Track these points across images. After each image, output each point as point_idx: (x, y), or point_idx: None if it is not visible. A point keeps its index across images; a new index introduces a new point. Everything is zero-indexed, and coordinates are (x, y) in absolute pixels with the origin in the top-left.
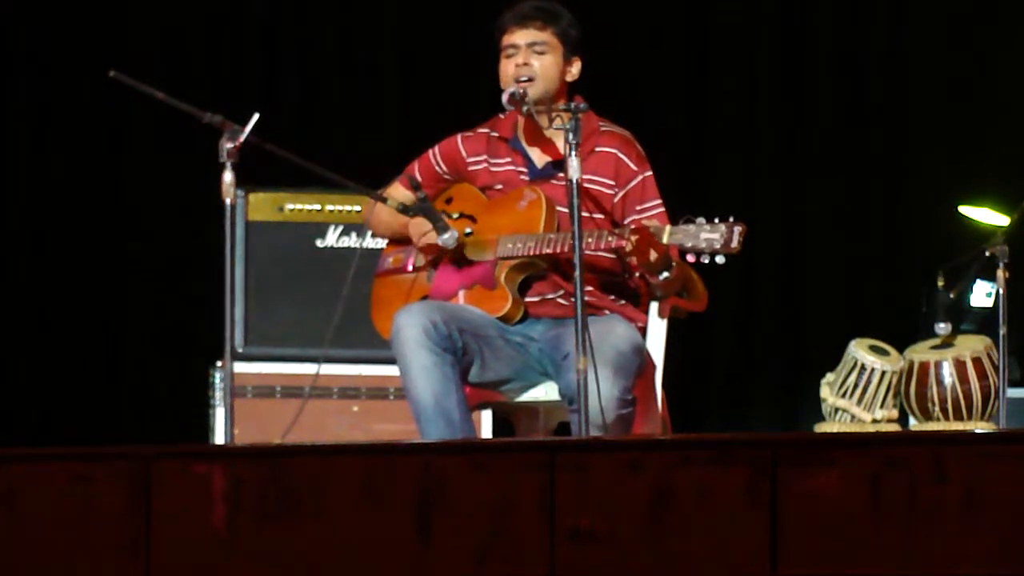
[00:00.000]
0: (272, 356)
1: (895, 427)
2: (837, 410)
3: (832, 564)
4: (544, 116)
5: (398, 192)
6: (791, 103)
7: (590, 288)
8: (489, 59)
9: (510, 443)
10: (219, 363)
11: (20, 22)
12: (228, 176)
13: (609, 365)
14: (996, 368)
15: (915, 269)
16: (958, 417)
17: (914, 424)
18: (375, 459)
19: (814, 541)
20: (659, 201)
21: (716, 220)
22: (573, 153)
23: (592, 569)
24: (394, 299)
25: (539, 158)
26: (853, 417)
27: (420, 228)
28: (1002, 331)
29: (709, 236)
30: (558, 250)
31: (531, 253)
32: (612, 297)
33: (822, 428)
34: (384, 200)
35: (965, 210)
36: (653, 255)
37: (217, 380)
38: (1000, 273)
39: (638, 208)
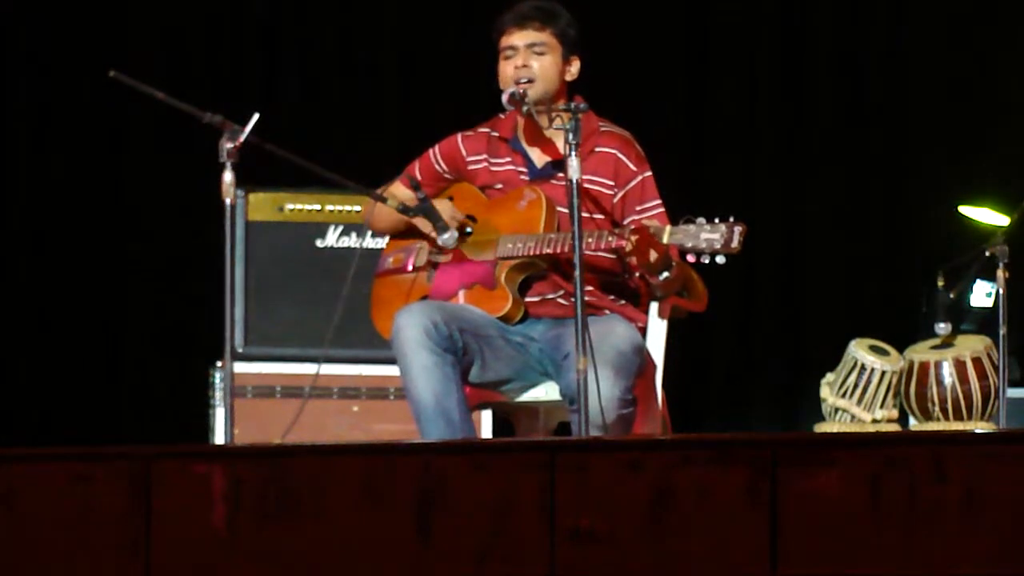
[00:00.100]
0: (272, 356)
1: (895, 427)
2: (837, 410)
3: (832, 564)
4: (544, 116)
5: (398, 191)
6: (791, 103)
7: (590, 288)
8: (489, 59)
9: (510, 443)
10: (219, 363)
11: (20, 22)
12: (228, 176)
13: (609, 365)
14: (996, 368)
15: (915, 269)
16: (958, 417)
17: (914, 424)
18: (375, 459)
19: (814, 541)
20: (659, 201)
21: (716, 220)
22: (573, 153)
23: (592, 569)
24: (394, 299)
25: (539, 158)
26: (853, 417)
27: (424, 229)
28: (1002, 331)
29: (709, 236)
30: (558, 250)
31: (531, 253)
32: (612, 297)
33: (822, 428)
34: (384, 200)
35: (965, 210)
36: (653, 255)
37: (217, 380)
38: (1000, 273)
39: (638, 208)
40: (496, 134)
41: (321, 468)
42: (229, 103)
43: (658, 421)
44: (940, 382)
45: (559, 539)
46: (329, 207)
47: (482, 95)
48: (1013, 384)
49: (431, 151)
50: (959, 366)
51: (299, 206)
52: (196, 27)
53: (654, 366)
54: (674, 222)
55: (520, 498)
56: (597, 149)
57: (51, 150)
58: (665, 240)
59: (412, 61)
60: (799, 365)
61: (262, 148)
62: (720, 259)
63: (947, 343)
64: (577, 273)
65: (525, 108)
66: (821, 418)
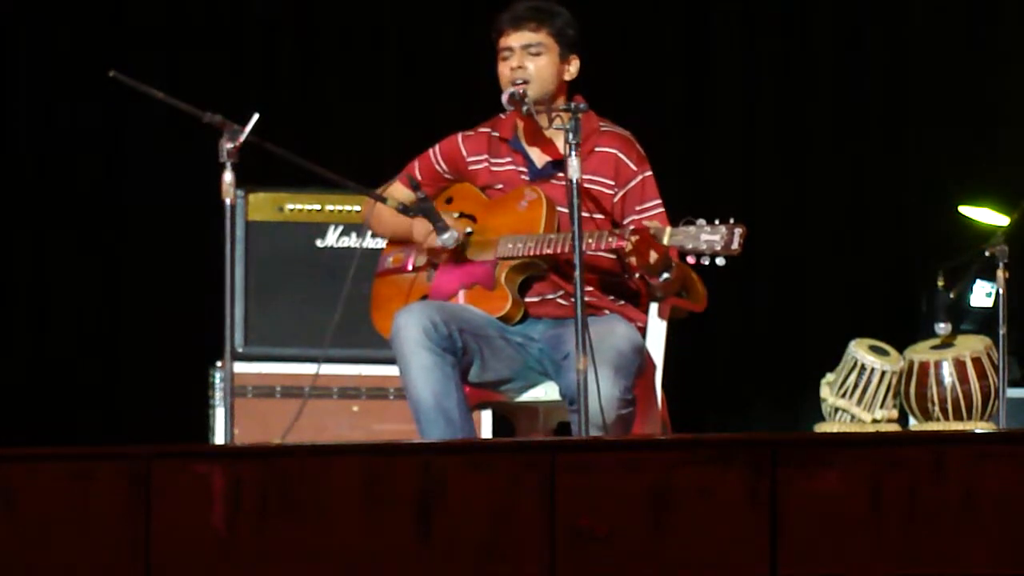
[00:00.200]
0: (272, 356)
1: (895, 427)
2: (837, 410)
3: (832, 564)
4: (544, 116)
5: (398, 191)
6: (791, 103)
7: (590, 288)
8: (489, 59)
9: (510, 443)
10: (219, 363)
11: (20, 22)
12: (228, 176)
13: (609, 365)
14: (996, 368)
15: (915, 269)
16: (958, 417)
17: (914, 424)
18: (375, 459)
19: (814, 541)
20: (659, 201)
21: (716, 222)
22: (573, 153)
23: (592, 569)
24: (394, 299)
25: (539, 158)
26: (853, 417)
27: (424, 229)
28: (1002, 331)
29: (709, 238)
30: (558, 250)
31: (531, 253)
32: (612, 297)
33: (822, 428)
34: (384, 200)
35: (965, 210)
36: (653, 256)
37: (217, 380)
38: (1000, 273)
39: (638, 208)
40: (496, 134)
41: (321, 468)
42: (229, 103)
43: (658, 421)
44: (940, 382)
45: (559, 539)
46: (329, 207)
47: (482, 95)
48: (1013, 384)
49: (431, 151)
50: (959, 366)
51: (299, 206)
52: (196, 27)
53: (654, 366)
54: (674, 223)
55: (520, 498)
56: (598, 149)
57: (51, 150)
58: (665, 241)
59: (412, 61)
60: (799, 365)
61: (262, 148)
62: (720, 261)
63: (947, 343)
64: (577, 273)
65: (525, 108)
66: (821, 418)
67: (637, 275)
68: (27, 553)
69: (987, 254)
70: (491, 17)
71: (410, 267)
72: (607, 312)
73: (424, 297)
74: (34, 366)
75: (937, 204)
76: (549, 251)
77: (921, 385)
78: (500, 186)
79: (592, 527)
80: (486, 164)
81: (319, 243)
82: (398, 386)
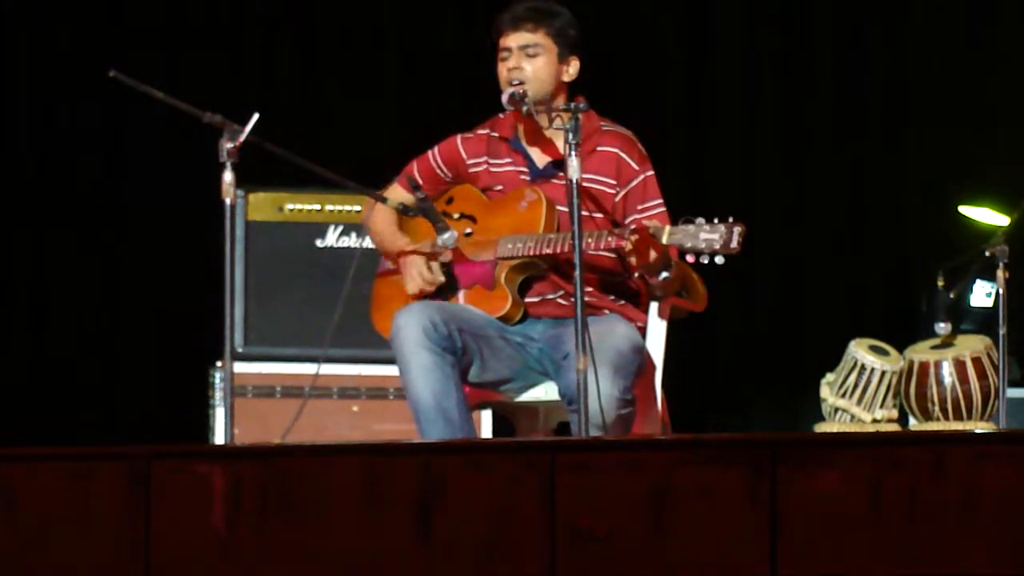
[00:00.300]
0: (272, 356)
1: (895, 427)
2: (837, 410)
3: (832, 564)
4: (544, 116)
5: (398, 193)
6: (791, 103)
7: (590, 288)
8: (489, 59)
9: (510, 443)
10: (219, 363)
11: (20, 22)
12: (228, 176)
13: (609, 365)
14: (996, 368)
15: (915, 269)
16: (958, 417)
17: (914, 424)
18: (375, 459)
19: (814, 541)
20: (660, 201)
21: (716, 220)
22: (573, 153)
23: (592, 569)
24: (394, 299)
25: (539, 158)
26: (853, 417)
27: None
28: (1002, 331)
29: (709, 236)
30: (558, 250)
31: (531, 253)
32: (612, 297)
33: (822, 428)
34: (384, 200)
35: (965, 210)
36: (652, 255)
37: (217, 380)
38: (1000, 273)
39: (639, 208)
40: (496, 135)
41: (321, 468)
42: (229, 103)
43: (657, 421)
44: (940, 382)
45: (559, 539)
46: (329, 207)
47: (482, 95)
48: (1013, 384)
49: (430, 153)
50: (959, 366)
51: (299, 206)
52: (196, 27)
53: (654, 366)
54: (673, 222)
55: (520, 498)
56: (599, 148)
57: (51, 150)
58: (664, 240)
59: (412, 61)
60: (799, 365)
61: (262, 148)
62: (719, 259)
63: (947, 343)
64: (577, 273)
65: (525, 108)
66: (821, 418)
67: (637, 274)
68: (27, 553)
69: (987, 254)
70: (491, 17)
71: None
72: (607, 312)
73: (424, 297)
74: (34, 366)
75: (937, 204)
76: (549, 251)
77: (921, 385)
78: (500, 187)
79: (592, 527)
80: (485, 166)
81: (319, 243)
82: (398, 386)
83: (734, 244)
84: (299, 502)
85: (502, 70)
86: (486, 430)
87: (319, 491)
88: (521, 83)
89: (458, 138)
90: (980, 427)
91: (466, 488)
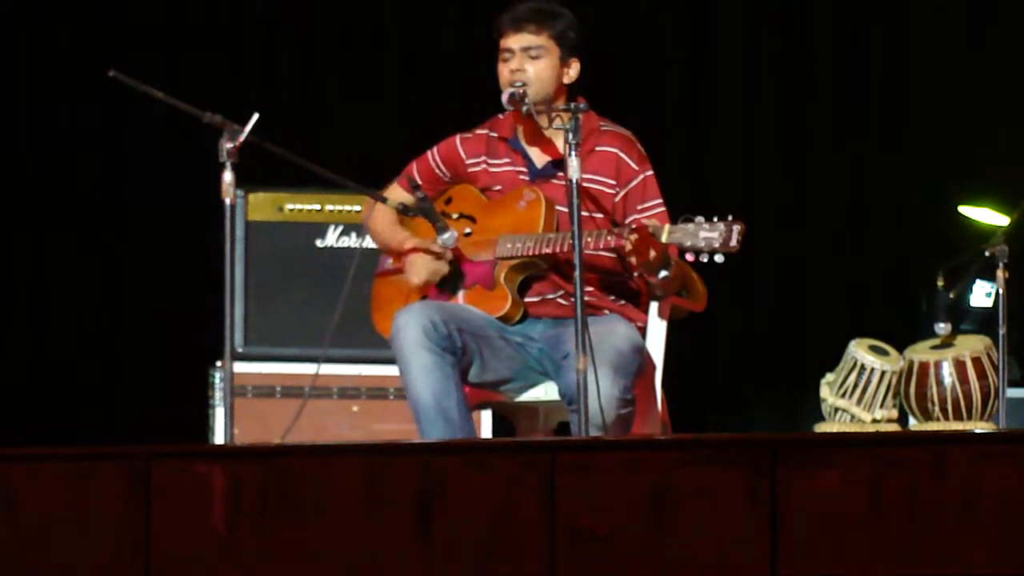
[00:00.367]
0: (272, 356)
1: (895, 427)
2: (837, 410)
3: (832, 564)
4: (544, 116)
5: (397, 193)
6: (791, 103)
7: (590, 288)
8: (489, 59)
9: (510, 443)
10: (219, 363)
11: (20, 22)
12: (228, 176)
13: (609, 365)
14: (996, 368)
15: (915, 269)
16: (958, 417)
17: (914, 424)
18: (375, 459)
19: (814, 541)
20: (660, 200)
21: (715, 219)
22: (573, 153)
23: (592, 569)
24: (394, 299)
25: (539, 158)
26: (853, 417)
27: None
28: (1002, 331)
29: (708, 235)
30: (557, 250)
31: (530, 253)
32: (612, 297)
33: (822, 428)
34: (384, 200)
35: (965, 210)
36: (652, 254)
37: (217, 380)
38: (1000, 273)
39: (639, 207)
40: (495, 135)
41: (321, 468)
42: (229, 103)
43: (657, 421)
44: (940, 382)
45: (559, 539)
46: (329, 207)
47: (482, 95)
48: (1013, 384)
49: (429, 153)
50: (959, 366)
51: (299, 206)
52: (196, 27)
53: (653, 366)
54: (673, 221)
55: (520, 498)
56: (598, 148)
57: (51, 150)
58: (664, 239)
59: (412, 61)
60: (799, 365)
61: (262, 148)
62: (719, 258)
63: (947, 343)
64: (577, 273)
65: (525, 108)
66: (821, 418)
67: (636, 274)
68: (27, 553)
69: (987, 254)
70: (491, 17)
71: None
72: (607, 312)
73: (424, 297)
74: (34, 366)
75: (937, 204)
76: (548, 251)
77: (921, 385)
78: (499, 187)
79: (592, 527)
80: (484, 166)
81: (319, 243)
82: (398, 386)
83: (733, 242)
84: (299, 502)
85: (504, 71)
86: (486, 430)
87: (319, 491)
88: (523, 85)
89: (457, 138)
90: (980, 427)
91: (466, 488)
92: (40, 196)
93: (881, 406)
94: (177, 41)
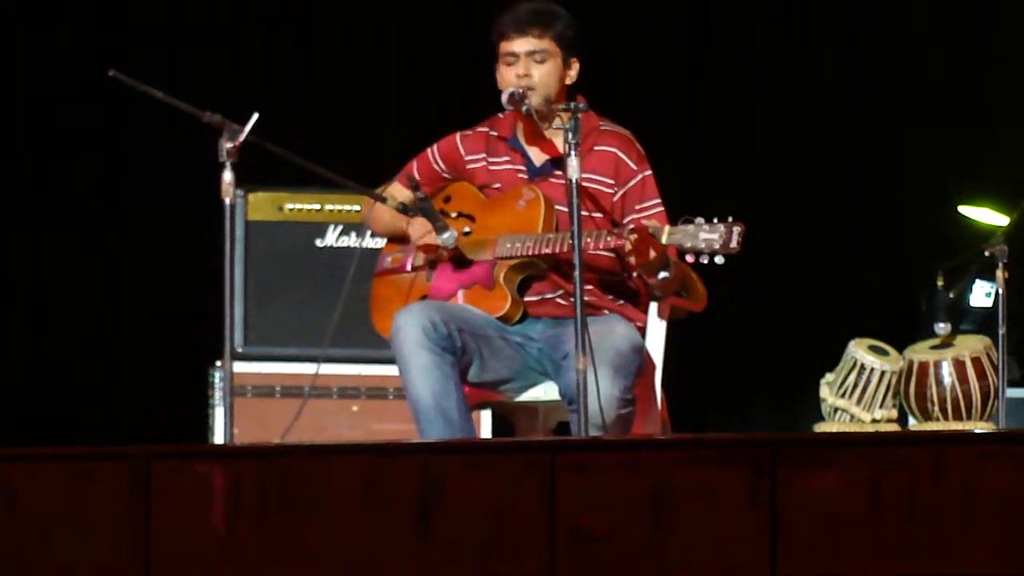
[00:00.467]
0: (272, 356)
1: (894, 427)
2: (836, 410)
3: (832, 564)
4: (545, 118)
5: (397, 191)
6: (791, 103)
7: (590, 288)
8: (490, 59)
9: (510, 443)
10: (219, 363)
11: (20, 22)
12: (227, 176)
13: (608, 365)
14: (995, 368)
15: (915, 269)
16: (957, 417)
17: (913, 424)
18: (375, 459)
19: (814, 541)
20: (658, 200)
21: (715, 220)
22: (573, 153)
23: (592, 569)
24: (393, 299)
25: (538, 157)
26: (852, 417)
27: (421, 228)
28: (1001, 331)
29: (708, 236)
30: (557, 250)
31: (530, 253)
32: (611, 297)
33: (821, 428)
34: (384, 200)
35: (965, 210)
36: (652, 255)
37: (217, 380)
38: (999, 273)
39: (637, 207)
40: (495, 133)
41: (321, 468)
42: (229, 103)
43: (657, 421)
44: (939, 382)
45: (559, 539)
46: (329, 207)
47: (482, 95)
48: (1012, 384)
49: (429, 151)
50: (958, 366)
51: (298, 206)
52: (196, 27)
53: (653, 366)
54: (673, 222)
55: (520, 498)
56: (597, 147)
57: (51, 150)
58: (664, 240)
59: (412, 61)
60: (799, 365)
61: (262, 148)
62: (719, 259)
63: (946, 343)
64: (577, 273)
65: (524, 108)
66: (821, 418)
67: (636, 274)
68: (27, 553)
69: (987, 254)
70: (491, 17)
71: (409, 267)
72: (606, 312)
73: (423, 297)
74: (34, 366)
75: (937, 204)
76: (548, 251)
77: (920, 385)
78: (498, 185)
79: (592, 527)
80: (484, 163)
81: (319, 243)
82: (397, 386)
83: (734, 244)
84: (299, 502)
85: (508, 75)
86: (486, 430)
87: (319, 491)
88: (530, 89)
89: (457, 136)
90: (980, 427)
91: (466, 488)
92: (40, 196)
93: (881, 406)
94: (177, 41)
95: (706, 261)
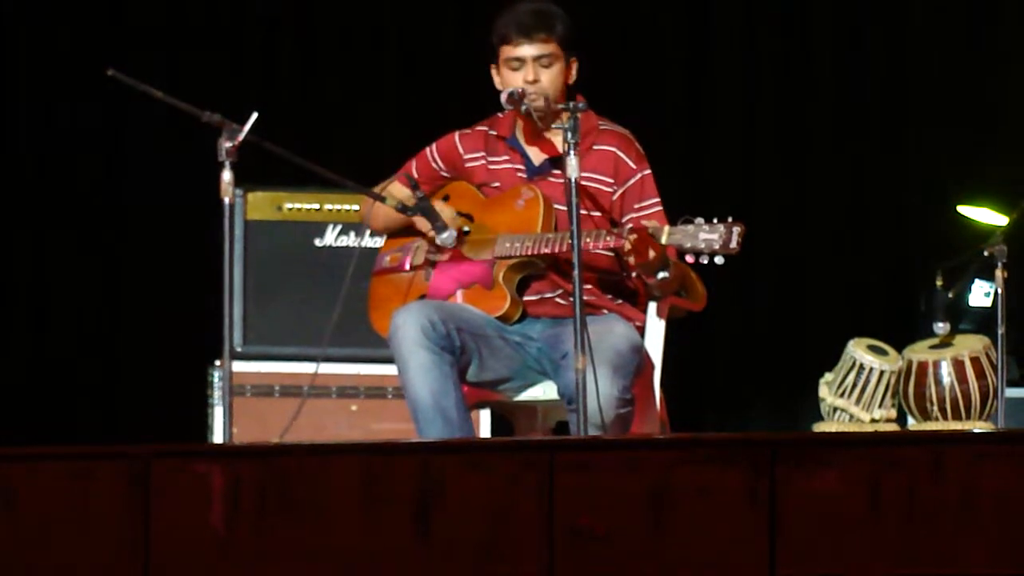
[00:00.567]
0: (271, 355)
1: (893, 427)
2: (836, 410)
3: (831, 564)
4: (546, 118)
5: (396, 190)
6: (791, 103)
7: (589, 287)
8: (489, 59)
9: (509, 443)
10: (218, 362)
11: (20, 22)
12: (227, 175)
13: (608, 364)
14: (995, 368)
15: (914, 269)
16: (956, 417)
17: (913, 424)
18: (374, 459)
19: (813, 541)
20: (657, 199)
21: (715, 220)
22: (572, 152)
23: (591, 569)
24: (392, 298)
25: (537, 156)
26: (852, 417)
27: (421, 228)
28: (1001, 331)
29: (708, 237)
30: (556, 249)
31: (529, 253)
32: (611, 296)
33: (821, 428)
34: (383, 200)
35: (964, 210)
36: (651, 255)
37: (216, 379)
38: (999, 273)
39: (636, 206)
40: (494, 132)
41: (320, 467)
42: (229, 103)
43: (656, 421)
44: (939, 382)
45: (558, 539)
46: (328, 206)
47: (482, 95)
48: (1012, 384)
49: (428, 149)
50: (958, 366)
51: (298, 205)
52: (196, 27)
53: (652, 366)
54: (673, 222)
55: (519, 498)
56: (596, 147)
57: (51, 150)
58: (663, 241)
59: (412, 61)
60: (799, 365)
61: (261, 147)
62: (719, 259)
63: (946, 343)
64: (576, 272)
65: (524, 108)
66: (820, 418)
67: (635, 274)
68: (27, 553)
69: (986, 254)
70: (491, 17)
71: (407, 266)
72: (606, 311)
73: (422, 296)
74: (34, 366)
75: (937, 204)
76: (547, 250)
77: (920, 385)
78: (497, 184)
79: (591, 527)
80: (483, 162)
81: (318, 242)
82: (396, 385)
83: (733, 244)
84: (298, 501)
85: (515, 80)
86: (485, 429)
87: (318, 491)
88: (542, 93)
89: (456, 135)
90: (979, 427)
91: (465, 488)
92: (40, 196)
93: (880, 406)
94: (177, 41)
95: (706, 261)
